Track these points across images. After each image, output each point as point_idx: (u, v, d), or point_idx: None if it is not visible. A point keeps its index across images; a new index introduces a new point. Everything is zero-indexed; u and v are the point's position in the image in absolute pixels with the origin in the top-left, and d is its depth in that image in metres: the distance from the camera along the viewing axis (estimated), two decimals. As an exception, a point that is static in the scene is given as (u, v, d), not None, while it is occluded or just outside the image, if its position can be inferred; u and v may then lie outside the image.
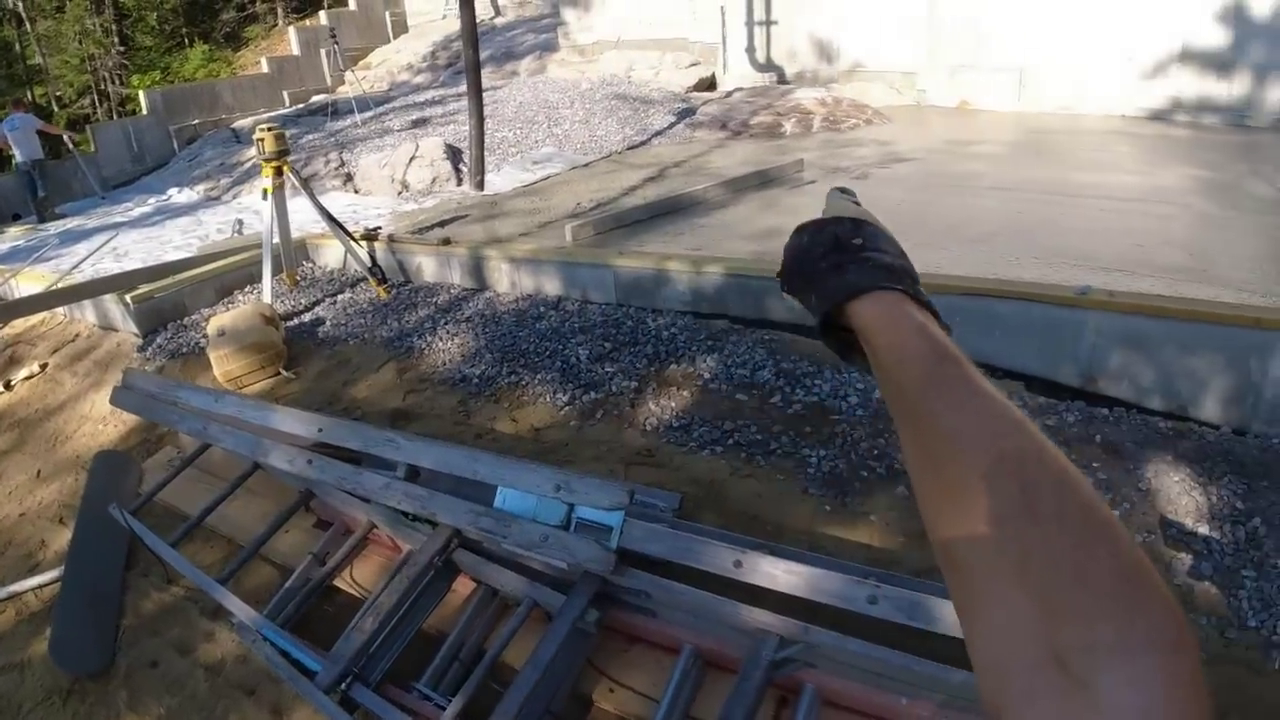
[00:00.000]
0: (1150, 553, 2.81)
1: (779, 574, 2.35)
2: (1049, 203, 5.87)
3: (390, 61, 17.12)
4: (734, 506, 3.28)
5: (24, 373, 6.18)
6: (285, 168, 5.69)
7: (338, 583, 3.19)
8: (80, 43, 23.65)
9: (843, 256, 0.74)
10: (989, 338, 3.91)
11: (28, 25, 23.72)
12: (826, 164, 7.60)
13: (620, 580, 2.49)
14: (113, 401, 4.06)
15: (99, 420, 5.20)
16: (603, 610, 2.56)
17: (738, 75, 12.21)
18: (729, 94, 11.39)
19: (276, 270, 5.93)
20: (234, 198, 10.83)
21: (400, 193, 8.85)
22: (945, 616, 2.26)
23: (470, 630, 2.75)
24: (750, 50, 12.06)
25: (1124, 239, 4.96)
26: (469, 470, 2.62)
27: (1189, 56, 8.63)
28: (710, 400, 3.89)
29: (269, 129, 5.57)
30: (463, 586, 2.96)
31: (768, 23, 11.80)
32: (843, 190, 0.88)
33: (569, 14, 14.28)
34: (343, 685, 2.51)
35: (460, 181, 8.77)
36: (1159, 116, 8.86)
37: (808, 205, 6.18)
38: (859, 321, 0.70)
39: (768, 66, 12.01)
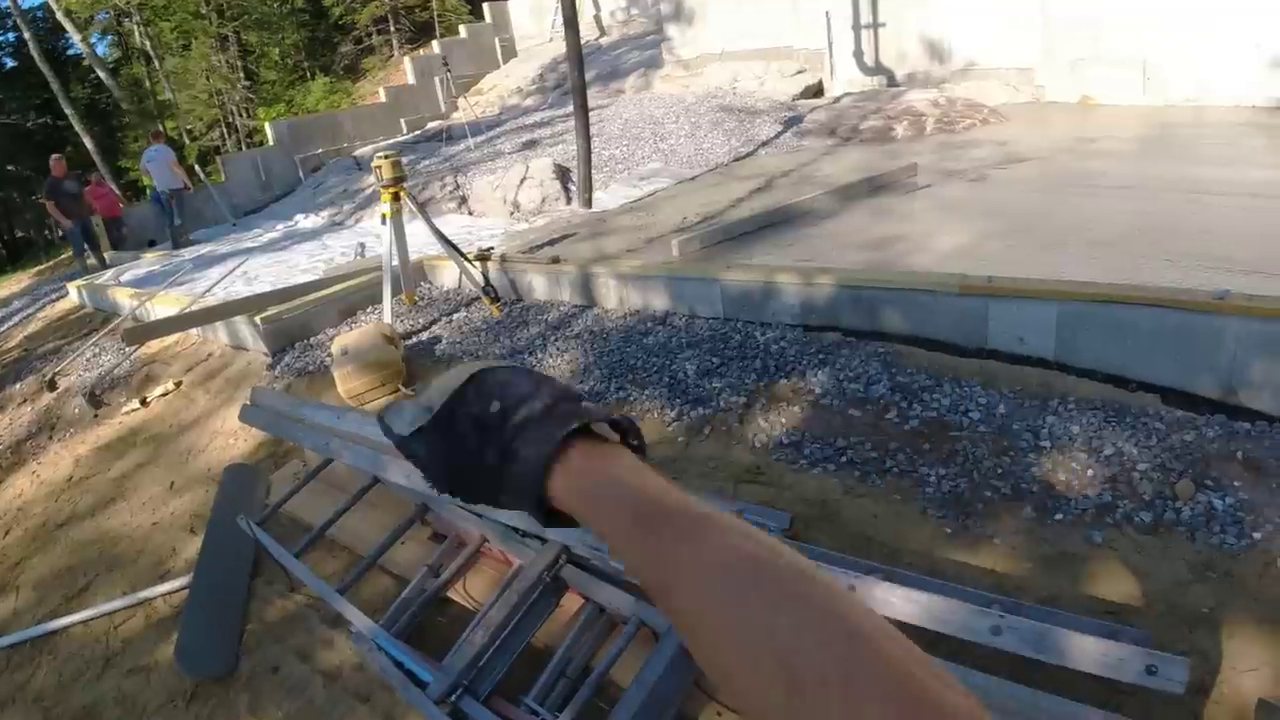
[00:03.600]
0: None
1: (896, 601, 2.25)
2: (1179, 201, 5.49)
3: (500, 86, 17.61)
4: (847, 527, 3.17)
5: (159, 390, 6.59)
6: (402, 193, 5.90)
7: (451, 594, 3.25)
8: (207, 78, 25.38)
9: (500, 436, 0.62)
10: (1120, 347, 3.67)
11: (156, 62, 25.60)
12: (941, 167, 7.35)
13: (729, 601, 2.44)
14: (242, 418, 4.28)
15: (229, 435, 5.48)
16: (711, 632, 2.51)
17: (845, 80, 11.99)
18: (837, 100, 11.19)
19: (396, 291, 6.14)
20: (356, 222, 11.33)
21: (512, 213, 9.06)
22: (1075, 649, 2.12)
23: (577, 646, 2.74)
24: (858, 54, 11.83)
25: (1262, 239, 4.59)
26: (576, 487, 2.62)
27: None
28: (822, 416, 3.78)
29: (386, 157, 5.79)
30: (570, 602, 2.96)
31: (875, 25, 11.54)
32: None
33: (672, 29, 14.36)
34: (453, 697, 2.54)
35: (569, 200, 8.91)
36: (1292, 106, 8.20)
37: (922, 211, 6.04)
38: (562, 504, 0.60)
39: (876, 70, 11.75)
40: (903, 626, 2.30)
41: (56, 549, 4.98)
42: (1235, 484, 2.96)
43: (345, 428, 3.52)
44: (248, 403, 4.36)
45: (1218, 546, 2.74)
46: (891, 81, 11.59)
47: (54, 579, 4.65)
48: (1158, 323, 3.55)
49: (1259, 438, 3.17)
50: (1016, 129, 8.93)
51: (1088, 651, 2.11)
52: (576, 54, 7.73)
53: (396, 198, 5.87)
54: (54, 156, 11.79)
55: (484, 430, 0.63)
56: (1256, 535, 2.74)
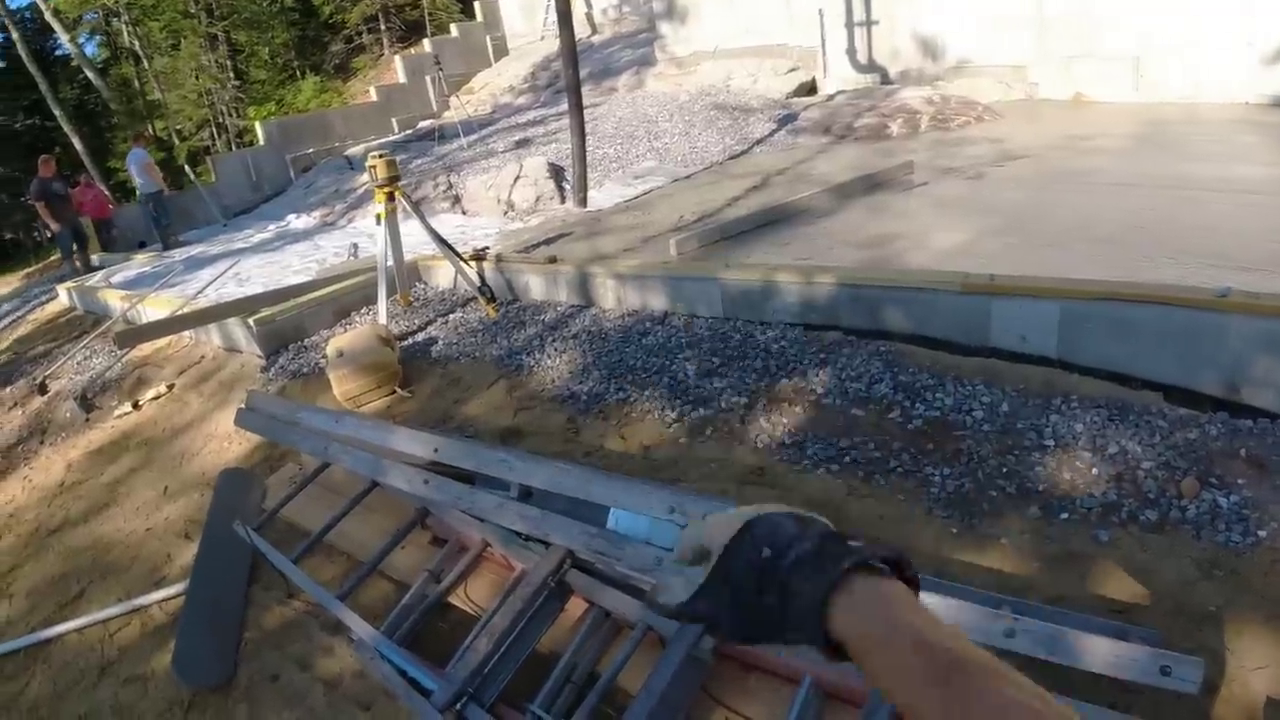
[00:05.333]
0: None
1: (908, 603, 2.22)
2: (1176, 198, 5.48)
3: (492, 84, 17.54)
4: (852, 528, 3.14)
5: (152, 393, 6.52)
6: (397, 193, 5.84)
7: (452, 600, 3.20)
8: (197, 78, 25.23)
9: (776, 578, 0.65)
10: (1123, 345, 3.66)
11: (145, 62, 25.44)
12: (937, 164, 7.32)
13: (737, 606, 2.40)
14: (237, 423, 4.22)
15: (224, 438, 5.43)
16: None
17: (838, 78, 11.97)
18: (830, 97, 11.18)
19: (391, 292, 6.09)
20: (349, 222, 11.26)
21: (506, 212, 9.01)
22: (1089, 651, 2.10)
23: (583, 652, 2.70)
24: (851, 52, 11.81)
25: (1260, 236, 4.57)
26: (582, 491, 2.59)
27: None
28: (824, 416, 3.76)
29: (380, 156, 5.74)
30: (574, 607, 2.92)
31: (868, 22, 11.53)
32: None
33: (665, 27, 14.32)
34: (458, 705, 2.50)
35: (563, 199, 8.87)
36: (1284, 102, 8.21)
37: (919, 209, 6.02)
38: (843, 639, 0.62)
39: (870, 67, 11.73)
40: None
41: (49, 556, 4.92)
42: (1239, 481, 2.95)
43: (343, 432, 3.47)
44: (243, 407, 4.30)
45: (1223, 544, 2.73)
46: (885, 79, 11.58)
47: (47, 586, 4.58)
48: (1161, 320, 3.54)
49: (1262, 435, 3.16)
50: (1011, 126, 8.92)
51: (1101, 653, 2.09)
52: (571, 51, 7.68)
53: (391, 197, 5.81)
54: (43, 157, 11.68)
55: (760, 574, 0.66)
56: (1262, 533, 2.73)
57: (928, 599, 2.08)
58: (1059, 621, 2.23)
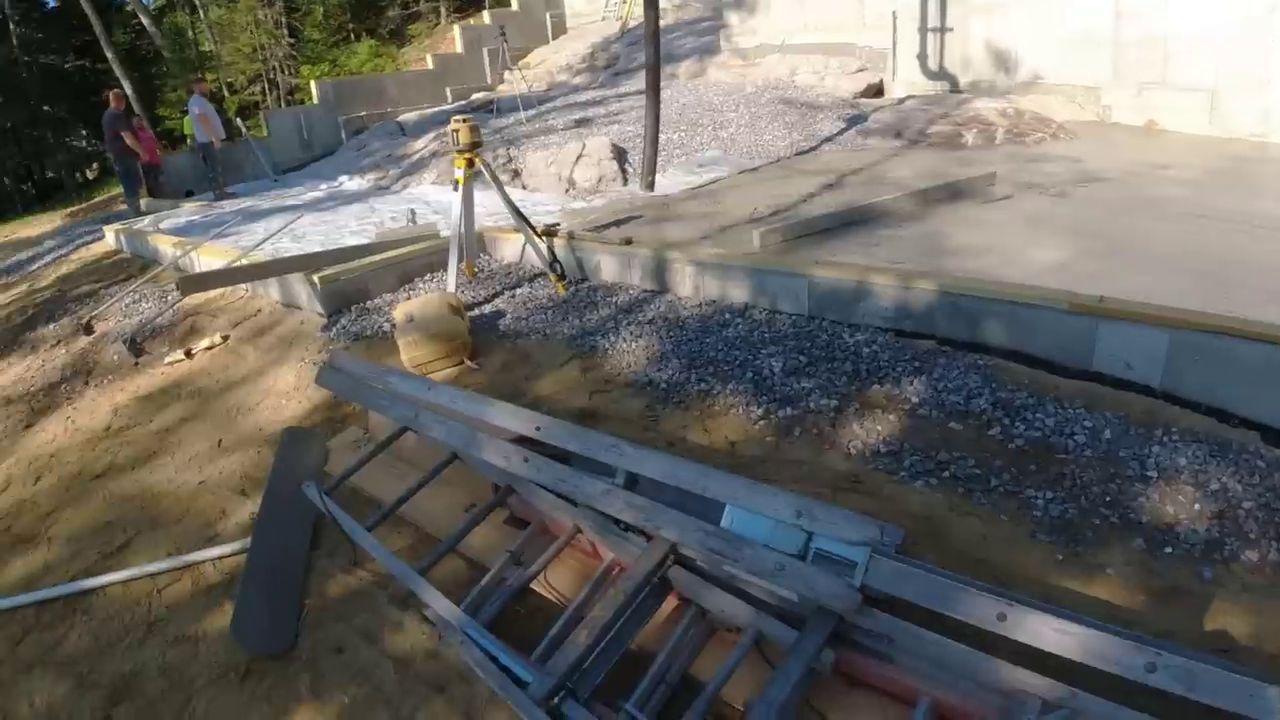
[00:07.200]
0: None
1: (1048, 632, 2.11)
2: (1271, 237, 5.27)
3: (549, 61, 17.40)
4: (955, 546, 3.02)
5: (205, 343, 6.43)
6: (477, 160, 5.73)
7: (532, 584, 3.11)
8: (251, 32, 25.14)
9: None
10: (1225, 381, 3.53)
11: (201, 13, 25.46)
12: (1018, 179, 7.13)
13: (859, 621, 2.30)
14: (319, 381, 4.13)
15: (281, 395, 5.34)
16: (835, 650, 2.37)
17: (907, 83, 11.76)
18: (901, 101, 10.97)
19: (459, 260, 5.99)
20: (403, 188, 11.17)
21: (567, 190, 8.90)
22: (1231, 692, 1.99)
23: (677, 652, 2.61)
24: (922, 57, 11.59)
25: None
26: (698, 486, 2.48)
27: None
28: (920, 427, 3.63)
29: (464, 120, 5.61)
30: (666, 603, 2.83)
31: (942, 29, 11.31)
32: None
33: (731, 17, 14.14)
34: (555, 699, 2.41)
35: (626, 182, 8.75)
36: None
37: (1006, 222, 5.85)
38: None
39: (939, 75, 11.52)
40: (1053, 659, 2.17)
41: (93, 501, 4.75)
42: (1335, 534, 2.83)
43: (435, 400, 3.37)
44: (326, 366, 4.21)
45: (1328, 591, 2.62)
46: (954, 88, 11.36)
47: (90, 534, 4.40)
48: (1266, 360, 3.41)
49: (1358, 485, 3.04)
50: (1086, 147, 8.69)
51: (1236, 693, 1.98)
52: (654, 31, 7.56)
53: (470, 164, 5.69)
54: (114, 91, 11.79)
55: None
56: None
57: (1075, 629, 1.94)
58: (1203, 661, 2.13)
